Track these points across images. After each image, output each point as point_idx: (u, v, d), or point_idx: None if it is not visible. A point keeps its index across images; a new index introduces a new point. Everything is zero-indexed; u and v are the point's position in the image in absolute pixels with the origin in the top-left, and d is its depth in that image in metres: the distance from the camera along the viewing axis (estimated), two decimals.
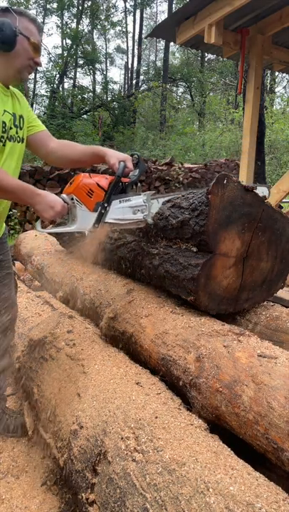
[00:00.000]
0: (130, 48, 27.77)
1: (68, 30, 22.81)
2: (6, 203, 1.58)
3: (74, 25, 22.80)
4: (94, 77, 24.95)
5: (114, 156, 1.59)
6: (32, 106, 20.26)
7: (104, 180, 1.51)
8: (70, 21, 23.40)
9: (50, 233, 1.49)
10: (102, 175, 1.56)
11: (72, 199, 1.45)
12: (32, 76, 21.87)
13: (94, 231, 1.49)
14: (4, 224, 1.68)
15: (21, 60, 1.43)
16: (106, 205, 1.48)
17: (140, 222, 1.58)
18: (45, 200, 1.38)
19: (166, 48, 21.63)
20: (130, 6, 26.15)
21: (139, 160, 1.61)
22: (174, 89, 25.24)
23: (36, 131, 1.65)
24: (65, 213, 1.44)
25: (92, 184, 1.48)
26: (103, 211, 1.47)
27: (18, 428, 1.74)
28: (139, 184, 1.63)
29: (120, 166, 1.53)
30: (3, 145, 1.45)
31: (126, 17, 26.49)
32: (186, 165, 9.38)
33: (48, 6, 22.54)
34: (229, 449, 1.02)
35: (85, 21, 23.51)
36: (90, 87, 24.11)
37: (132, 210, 1.53)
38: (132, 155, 1.64)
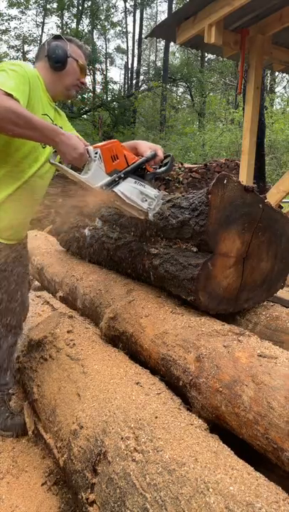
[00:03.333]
0: (130, 48, 27.79)
1: (68, 30, 22.82)
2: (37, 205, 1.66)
3: (74, 25, 22.81)
4: (94, 77, 24.94)
5: (146, 145, 1.66)
6: None
7: (131, 156, 1.54)
8: (70, 21, 23.41)
9: (60, 168, 1.49)
10: (132, 153, 1.59)
11: (96, 153, 1.46)
12: None
13: (99, 192, 1.50)
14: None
15: (71, 79, 1.62)
16: (122, 176, 1.49)
17: (142, 213, 1.59)
18: (70, 141, 1.39)
19: (166, 48, 21.64)
20: (130, 6, 26.18)
21: (170, 160, 1.64)
22: (174, 89, 25.26)
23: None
24: (85, 160, 1.44)
25: (121, 152, 1.50)
26: (116, 179, 1.49)
27: (17, 427, 1.74)
28: (158, 181, 1.65)
29: (150, 153, 1.59)
30: (43, 147, 1.57)
31: (126, 17, 26.53)
32: (186, 165, 9.37)
33: (48, 6, 22.55)
34: (229, 449, 1.02)
35: (85, 21, 23.53)
36: (90, 87, 24.09)
37: (141, 196, 1.55)
38: (167, 155, 1.67)
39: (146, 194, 1.55)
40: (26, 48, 22.41)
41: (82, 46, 1.66)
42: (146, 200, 1.56)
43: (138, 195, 1.54)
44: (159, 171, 1.62)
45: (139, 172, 1.55)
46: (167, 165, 1.63)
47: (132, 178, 1.52)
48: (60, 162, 1.49)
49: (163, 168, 1.63)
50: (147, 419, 1.10)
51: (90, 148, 1.46)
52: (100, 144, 1.50)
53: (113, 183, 1.48)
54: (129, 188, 1.52)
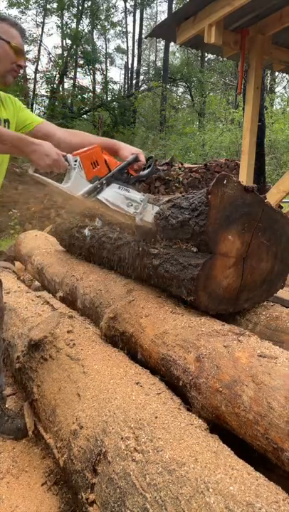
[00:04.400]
0: (130, 48, 27.79)
1: (68, 30, 22.81)
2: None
3: (74, 25, 22.79)
4: (94, 77, 24.94)
5: (128, 149, 1.62)
6: (32, 106, 20.25)
7: (113, 161, 1.53)
8: (70, 21, 23.39)
9: (39, 179, 1.47)
10: (113, 158, 1.57)
11: (75, 161, 1.45)
12: (32, 76, 21.89)
13: (82, 200, 1.47)
14: None
15: (4, 64, 1.47)
16: (104, 182, 1.47)
17: (128, 218, 1.58)
18: (41, 148, 1.37)
19: (166, 47, 21.62)
20: (130, 6, 26.17)
21: (152, 162, 1.63)
22: (174, 89, 25.25)
23: (35, 125, 1.64)
24: (62, 166, 1.42)
25: (101, 158, 1.49)
26: (99, 186, 1.47)
27: (17, 429, 1.74)
28: (142, 184, 1.63)
29: (132, 156, 1.56)
30: None
31: (126, 17, 26.52)
32: (186, 165, 9.37)
33: (48, 6, 22.52)
34: (229, 449, 1.02)
35: (85, 21, 23.51)
36: (90, 87, 24.10)
37: (126, 201, 1.53)
38: (149, 157, 1.66)
39: (132, 199, 1.53)
40: (26, 47, 22.38)
41: (16, 24, 1.51)
42: (131, 205, 1.54)
43: (123, 200, 1.52)
44: (142, 174, 1.59)
45: (122, 177, 1.53)
46: (150, 167, 1.61)
47: (116, 183, 1.50)
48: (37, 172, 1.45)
49: (146, 171, 1.60)
50: (147, 419, 1.10)
51: (69, 156, 1.44)
52: (79, 151, 1.47)
53: (95, 191, 1.46)
54: (113, 194, 1.50)
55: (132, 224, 1.65)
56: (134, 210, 1.55)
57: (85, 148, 1.48)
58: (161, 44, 25.87)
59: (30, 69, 22.64)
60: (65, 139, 1.65)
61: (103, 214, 1.60)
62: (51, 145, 1.41)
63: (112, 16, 24.93)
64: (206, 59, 22.63)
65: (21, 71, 1.55)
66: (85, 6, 22.64)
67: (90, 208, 1.56)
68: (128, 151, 1.60)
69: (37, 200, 6.55)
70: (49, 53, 22.98)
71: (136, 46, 26.04)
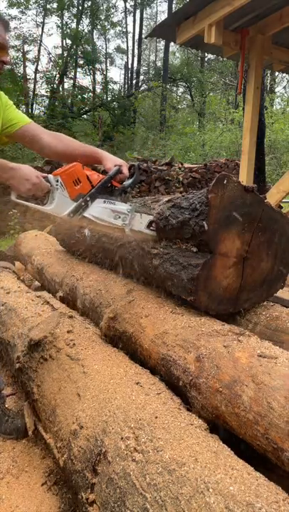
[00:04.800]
0: (130, 48, 27.79)
1: (68, 30, 22.81)
2: None
3: (74, 25, 22.79)
4: (94, 77, 24.94)
5: (111, 160, 1.58)
6: (32, 106, 20.24)
7: (95, 176, 1.50)
8: (70, 21, 23.40)
9: (23, 205, 1.46)
10: (95, 172, 1.54)
11: (57, 181, 1.43)
12: (32, 76, 21.89)
13: (69, 219, 1.46)
14: None
15: None
16: (88, 199, 1.46)
17: (118, 230, 1.56)
18: (20, 173, 1.34)
19: (166, 47, 21.63)
20: (130, 6, 26.18)
21: (135, 170, 1.61)
22: (174, 89, 25.26)
23: (21, 126, 1.59)
24: (44, 188, 1.40)
25: (82, 175, 1.46)
26: (83, 204, 1.45)
27: (17, 429, 1.74)
28: (128, 194, 1.62)
29: (114, 168, 1.53)
30: None
31: (126, 17, 26.53)
32: (186, 165, 9.37)
33: (48, 6, 22.52)
34: (229, 449, 1.02)
35: (85, 21, 23.51)
36: (90, 87, 24.10)
37: (113, 214, 1.51)
38: (131, 165, 1.64)
39: (118, 211, 1.52)
40: (26, 48, 22.39)
41: None
42: (119, 217, 1.52)
43: (110, 214, 1.51)
44: (126, 184, 1.57)
45: (106, 191, 1.51)
46: (134, 176, 1.59)
47: (101, 198, 1.49)
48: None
49: (130, 181, 1.58)
50: (147, 419, 1.10)
51: (50, 176, 1.43)
52: (59, 169, 1.46)
53: (80, 208, 1.45)
54: (98, 210, 1.48)
55: (122, 235, 1.63)
56: (122, 222, 1.54)
57: (65, 167, 1.46)
58: (161, 44, 25.89)
59: (30, 69, 22.68)
60: (49, 144, 1.61)
61: (94, 229, 1.58)
62: (30, 168, 1.38)
63: (112, 15, 24.94)
64: (206, 59, 22.64)
65: (6, 67, 1.48)
66: (85, 6, 22.64)
67: (78, 226, 1.54)
68: (111, 162, 1.57)
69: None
70: (49, 53, 23.01)
71: (136, 46, 26.05)
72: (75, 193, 1.44)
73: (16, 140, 1.62)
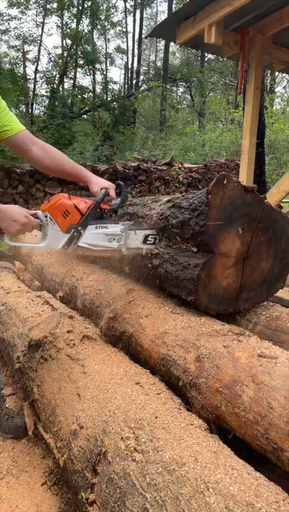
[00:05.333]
0: (130, 48, 27.79)
1: (68, 30, 22.80)
2: None
3: (74, 25, 22.78)
4: (94, 77, 24.93)
5: (98, 184, 1.58)
6: (32, 106, 20.23)
7: (82, 204, 1.49)
8: (70, 21, 23.39)
9: (17, 247, 1.47)
10: (82, 198, 1.54)
11: (46, 217, 1.44)
12: (32, 76, 21.89)
13: (65, 252, 1.47)
14: None
15: None
16: (80, 228, 1.46)
17: (115, 251, 1.57)
18: (8, 214, 1.34)
19: (166, 47, 21.63)
20: (130, 6, 26.17)
21: (122, 189, 1.60)
22: (174, 89, 25.26)
23: (12, 134, 1.57)
24: (34, 226, 1.41)
25: (70, 206, 1.46)
26: (76, 234, 1.46)
27: (17, 429, 1.74)
28: (118, 212, 1.62)
29: (101, 192, 1.53)
30: None
31: (126, 17, 26.53)
32: (186, 165, 9.38)
33: (48, 6, 22.52)
34: (229, 449, 1.02)
35: (85, 21, 23.50)
36: (90, 87, 24.09)
37: (107, 237, 1.52)
38: (117, 184, 1.63)
39: (112, 233, 1.52)
40: (26, 48, 22.37)
41: None
42: (114, 239, 1.53)
43: (104, 238, 1.52)
44: (114, 206, 1.57)
45: (96, 215, 1.51)
46: (121, 195, 1.59)
47: (92, 224, 1.49)
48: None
49: (118, 200, 1.59)
50: (147, 419, 1.10)
51: (39, 212, 1.43)
52: (47, 204, 1.46)
53: (74, 239, 1.45)
54: (92, 236, 1.49)
55: (120, 256, 1.64)
56: (117, 244, 1.54)
57: (51, 201, 1.47)
58: (161, 44, 25.90)
59: (30, 69, 22.66)
60: (38, 157, 1.60)
61: (89, 255, 1.58)
62: (18, 208, 1.38)
63: (112, 15, 24.93)
64: (206, 59, 22.63)
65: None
66: (85, 6, 22.63)
67: (76, 254, 1.54)
68: (97, 186, 1.57)
69: (37, 200, 6.55)
70: (49, 53, 23.00)
71: (136, 46, 26.04)
72: (65, 225, 1.45)
73: (6, 145, 1.62)
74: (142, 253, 1.73)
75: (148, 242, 1.70)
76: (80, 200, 1.51)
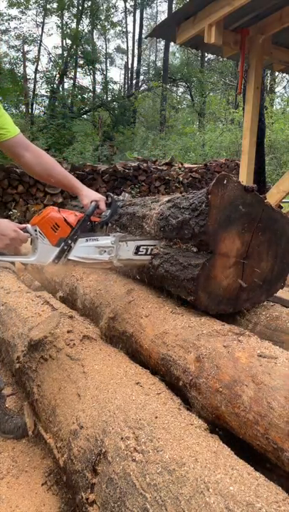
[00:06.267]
0: (130, 48, 27.80)
1: (68, 30, 22.80)
2: None
3: (74, 25, 22.78)
4: (94, 77, 24.94)
5: (88, 196, 1.57)
6: (32, 106, 20.24)
7: (72, 217, 1.48)
8: (70, 21, 23.39)
9: (6, 262, 1.46)
10: (72, 211, 1.53)
11: (36, 230, 1.42)
12: (32, 76, 21.89)
13: (56, 265, 1.46)
14: None
15: None
16: (70, 242, 1.45)
17: (106, 264, 1.56)
18: None
19: (166, 47, 21.63)
20: (130, 6, 26.18)
21: (112, 201, 1.60)
22: (174, 89, 25.26)
23: (5, 139, 1.55)
24: (23, 240, 1.39)
25: (59, 219, 1.45)
26: (66, 247, 1.45)
27: (17, 429, 1.74)
28: (110, 224, 1.61)
29: (91, 205, 1.53)
30: None
31: (126, 17, 26.54)
32: (186, 165, 9.38)
33: (48, 6, 22.52)
34: (229, 449, 1.02)
35: (85, 21, 23.50)
36: (90, 87, 24.10)
37: (98, 250, 1.51)
38: (106, 196, 1.63)
39: (103, 246, 1.52)
40: (26, 48, 22.37)
41: None
42: (105, 251, 1.53)
43: (94, 251, 1.51)
44: (104, 218, 1.57)
45: (86, 228, 1.50)
46: (111, 207, 1.58)
47: (82, 237, 1.48)
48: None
49: (108, 212, 1.58)
50: (147, 419, 1.10)
51: (29, 226, 1.42)
52: (36, 218, 1.45)
53: (64, 252, 1.44)
54: (82, 249, 1.48)
55: (112, 268, 1.63)
56: (108, 256, 1.54)
57: (41, 214, 1.45)
58: (161, 44, 25.90)
59: (30, 69, 22.66)
60: (30, 163, 1.59)
61: (82, 267, 1.57)
62: (8, 222, 1.36)
63: (112, 15, 24.94)
64: (206, 59, 22.63)
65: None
66: (85, 6, 22.62)
67: (66, 268, 1.53)
68: (88, 198, 1.56)
69: (37, 200, 6.55)
70: (49, 53, 23.01)
71: (136, 46, 26.04)
72: (55, 239, 1.44)
73: (0, 148, 1.61)
74: (134, 265, 1.72)
75: (140, 253, 1.68)
76: (69, 213, 1.50)
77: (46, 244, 1.43)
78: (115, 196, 1.64)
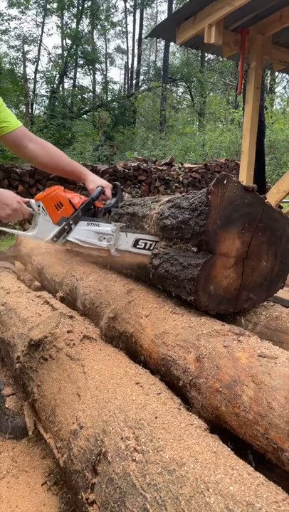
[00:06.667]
0: (130, 48, 27.82)
1: (68, 30, 22.82)
2: None
3: (74, 25, 22.80)
4: (94, 77, 24.95)
5: (94, 182, 1.58)
6: (32, 106, 20.24)
7: (77, 199, 1.49)
8: (70, 21, 23.42)
9: (6, 231, 1.47)
10: (77, 194, 1.54)
11: (39, 206, 1.43)
12: (32, 76, 21.90)
13: (53, 244, 1.46)
14: None
15: None
16: (71, 222, 1.45)
17: (103, 251, 1.56)
18: (0, 198, 1.32)
19: (166, 48, 21.65)
20: (130, 6, 26.19)
21: (118, 190, 1.60)
22: (174, 89, 25.27)
23: (10, 131, 1.56)
24: (25, 213, 1.40)
25: (64, 198, 1.45)
26: (66, 227, 1.45)
27: (17, 429, 1.74)
28: (112, 213, 1.61)
29: (97, 190, 1.53)
30: None
31: (126, 17, 26.56)
32: (186, 165, 9.38)
33: (48, 6, 22.54)
34: (229, 449, 1.02)
35: (85, 21, 23.52)
36: (90, 87, 24.11)
37: (98, 235, 1.51)
38: (113, 185, 1.63)
39: (103, 232, 1.51)
40: (26, 48, 22.37)
41: None
42: (104, 238, 1.52)
43: (94, 235, 1.50)
44: (109, 205, 1.57)
45: (89, 213, 1.51)
46: (116, 195, 1.59)
47: (84, 220, 1.48)
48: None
49: (113, 201, 1.58)
50: (147, 419, 1.10)
51: (32, 201, 1.42)
52: (41, 194, 1.46)
53: (64, 232, 1.44)
54: (82, 232, 1.48)
55: (108, 256, 1.62)
56: (107, 243, 1.53)
57: (46, 191, 1.46)
58: (161, 44, 25.90)
59: (30, 69, 22.69)
60: (36, 153, 1.60)
61: (78, 251, 1.57)
62: (11, 193, 1.37)
63: (112, 16, 24.96)
64: (206, 59, 22.64)
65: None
66: (85, 6, 22.64)
67: (64, 248, 1.54)
68: (94, 183, 1.57)
69: None
70: (49, 53, 23.05)
71: (136, 46, 26.06)
72: (57, 217, 1.44)
73: (3, 142, 1.61)
74: (131, 257, 1.71)
75: (138, 246, 1.68)
76: (75, 195, 1.50)
77: (48, 221, 1.43)
78: (121, 186, 1.64)
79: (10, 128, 1.57)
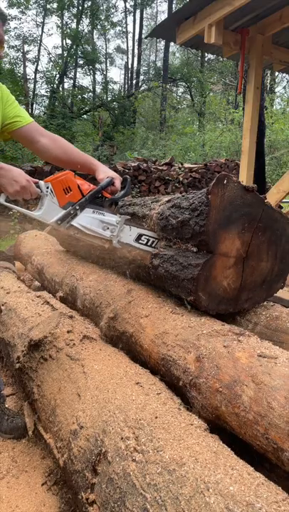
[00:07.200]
0: (130, 48, 27.82)
1: (68, 30, 22.82)
2: None
3: (74, 25, 22.80)
4: (94, 77, 24.96)
5: (105, 172, 1.59)
6: (32, 106, 20.24)
7: (86, 186, 1.50)
8: (70, 21, 23.42)
9: (11, 207, 1.47)
10: (87, 182, 1.54)
11: (47, 188, 1.44)
12: (32, 76, 21.91)
13: (56, 227, 1.47)
14: None
15: None
16: (77, 208, 1.46)
17: (105, 241, 1.56)
18: (9, 173, 1.34)
19: (166, 48, 21.65)
20: (130, 6, 26.19)
21: (127, 183, 1.60)
22: (174, 89, 25.27)
23: (22, 125, 1.60)
24: (33, 193, 1.40)
25: (73, 183, 1.46)
26: (72, 212, 1.45)
27: (17, 429, 1.74)
28: (118, 205, 1.61)
29: (106, 180, 1.54)
30: None
31: (126, 17, 26.56)
32: (186, 165, 9.38)
33: (48, 6, 22.54)
34: (229, 449, 1.02)
35: (85, 21, 23.52)
36: (90, 87, 24.12)
37: (102, 224, 1.52)
38: (124, 178, 1.63)
39: (107, 222, 1.52)
40: (26, 48, 22.37)
41: None
42: (108, 228, 1.53)
43: (98, 224, 1.51)
44: (117, 196, 1.57)
45: (96, 201, 1.51)
46: (125, 188, 1.58)
47: (90, 208, 1.49)
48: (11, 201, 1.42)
49: (121, 193, 1.58)
50: (147, 419, 1.10)
51: (41, 182, 1.43)
52: (51, 177, 1.46)
53: (69, 216, 1.45)
54: (87, 219, 1.48)
55: (110, 247, 1.62)
56: (110, 234, 1.54)
57: (57, 174, 1.46)
58: (161, 44, 25.91)
59: (30, 69, 22.69)
60: (47, 147, 1.62)
61: (80, 238, 1.57)
62: (22, 171, 1.38)
63: (112, 16, 24.96)
64: (206, 59, 22.64)
65: (3, 61, 1.51)
66: (85, 6, 22.64)
67: (67, 233, 1.54)
68: (104, 173, 1.58)
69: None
70: (49, 53, 23.06)
71: (136, 46, 26.06)
72: (64, 201, 1.45)
73: (14, 138, 1.64)
74: (132, 252, 1.71)
75: (140, 241, 1.69)
76: (84, 182, 1.51)
77: (54, 203, 1.44)
78: (130, 179, 1.65)
79: (22, 123, 1.60)
